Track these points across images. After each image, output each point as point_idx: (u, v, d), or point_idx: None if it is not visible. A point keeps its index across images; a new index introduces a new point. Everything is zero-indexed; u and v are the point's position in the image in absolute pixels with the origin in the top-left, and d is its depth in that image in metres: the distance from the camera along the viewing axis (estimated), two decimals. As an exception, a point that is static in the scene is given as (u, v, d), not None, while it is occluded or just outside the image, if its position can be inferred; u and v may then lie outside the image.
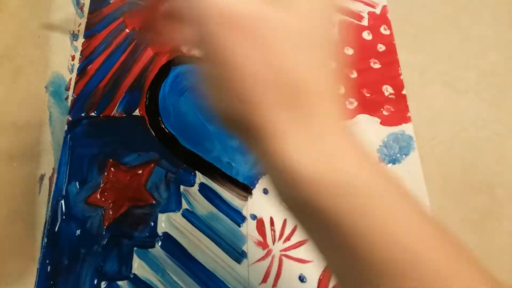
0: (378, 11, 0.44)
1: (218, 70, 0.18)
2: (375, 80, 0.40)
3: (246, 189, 0.37)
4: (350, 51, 0.42)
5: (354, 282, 0.18)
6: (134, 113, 0.40)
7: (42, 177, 0.38)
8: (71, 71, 0.43)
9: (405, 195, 0.18)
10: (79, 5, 0.46)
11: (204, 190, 0.37)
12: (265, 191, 0.37)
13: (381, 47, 0.42)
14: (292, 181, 0.17)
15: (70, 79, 0.42)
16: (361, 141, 0.18)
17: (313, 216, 0.18)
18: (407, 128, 0.38)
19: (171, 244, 0.35)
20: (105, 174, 0.38)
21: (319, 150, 0.17)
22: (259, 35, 0.17)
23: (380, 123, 0.39)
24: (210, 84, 0.19)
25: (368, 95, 0.40)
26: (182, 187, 0.37)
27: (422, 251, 0.17)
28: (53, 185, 0.38)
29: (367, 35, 0.43)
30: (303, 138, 0.17)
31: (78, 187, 0.37)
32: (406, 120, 0.39)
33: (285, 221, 0.36)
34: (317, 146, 0.17)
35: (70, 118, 0.40)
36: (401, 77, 0.40)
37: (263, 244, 0.35)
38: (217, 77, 0.18)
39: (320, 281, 0.33)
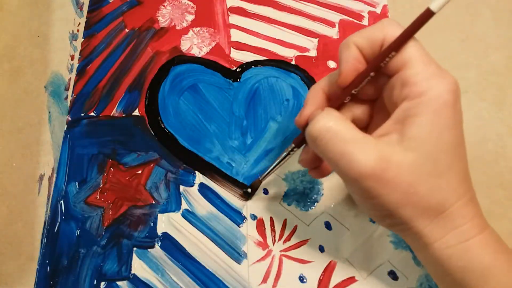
0: (378, 10, 0.44)
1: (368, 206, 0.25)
2: (375, 80, 0.40)
3: (245, 190, 0.37)
4: (350, 51, 0.42)
5: None
6: (133, 113, 0.40)
7: (41, 177, 0.38)
8: (71, 70, 0.42)
9: None
10: (78, 5, 0.46)
11: (204, 190, 0.37)
12: (265, 191, 0.37)
13: (381, 47, 0.42)
14: (436, 260, 0.25)
15: (70, 79, 0.42)
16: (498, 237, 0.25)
17: (446, 279, 0.25)
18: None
19: (170, 245, 0.35)
20: (105, 174, 0.38)
21: (456, 244, 0.24)
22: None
23: (380, 123, 0.38)
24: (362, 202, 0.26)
25: (368, 95, 0.40)
26: (182, 187, 0.37)
27: None
28: (53, 185, 0.38)
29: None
30: (448, 239, 0.24)
31: (78, 187, 0.37)
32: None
33: (285, 221, 0.35)
34: (454, 241, 0.24)
35: (70, 118, 0.40)
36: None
37: (263, 245, 0.35)
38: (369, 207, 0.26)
39: (320, 281, 0.33)
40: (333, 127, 0.24)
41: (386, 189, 0.23)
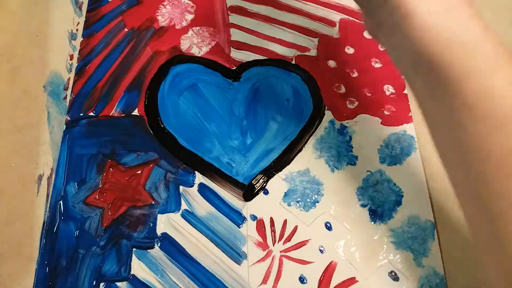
0: (378, 10, 0.44)
1: None
2: (376, 79, 0.40)
3: (245, 190, 0.36)
4: (351, 50, 0.41)
5: (448, 128, 0.22)
6: (133, 113, 0.40)
7: (40, 178, 0.38)
8: (70, 70, 0.42)
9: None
10: (77, 4, 0.46)
11: (204, 190, 0.37)
12: (265, 192, 0.37)
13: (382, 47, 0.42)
14: (415, 32, 0.22)
15: (69, 79, 0.42)
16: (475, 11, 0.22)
17: (421, 68, 0.22)
18: (408, 128, 0.38)
19: (170, 245, 0.35)
20: (104, 174, 0.37)
21: (441, 11, 0.21)
22: None
23: (381, 123, 0.38)
24: None
25: (369, 94, 0.39)
26: (181, 188, 0.37)
27: None
28: (52, 186, 0.37)
29: (368, 34, 0.43)
30: (433, 4, 0.21)
31: (77, 187, 0.37)
32: (408, 119, 0.38)
33: (285, 221, 0.35)
34: (440, 7, 0.21)
35: (69, 118, 0.40)
36: (402, 76, 0.40)
37: (263, 245, 0.35)
38: None
39: (320, 282, 0.33)
40: None
41: None
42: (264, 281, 0.34)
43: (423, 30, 0.22)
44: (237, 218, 0.36)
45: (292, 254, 0.34)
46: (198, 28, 0.44)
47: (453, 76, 0.21)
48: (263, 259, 0.34)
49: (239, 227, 0.35)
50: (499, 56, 0.21)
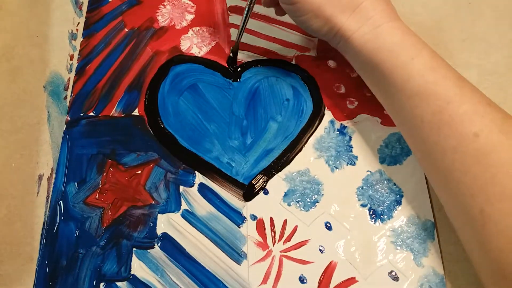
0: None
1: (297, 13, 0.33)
2: (375, 79, 0.40)
3: (245, 190, 0.36)
4: (350, 51, 0.41)
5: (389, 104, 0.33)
6: (133, 113, 0.40)
7: (40, 178, 0.38)
8: (70, 70, 0.42)
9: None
10: (77, 4, 0.46)
11: (204, 190, 0.37)
12: (265, 192, 0.37)
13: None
14: (356, 49, 0.32)
15: (69, 79, 0.42)
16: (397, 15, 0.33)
17: (366, 66, 0.33)
18: (408, 128, 0.38)
19: (170, 245, 0.35)
20: (104, 174, 0.37)
21: (369, 31, 0.31)
22: None
23: (381, 123, 0.38)
24: (294, 16, 0.34)
25: (369, 94, 0.39)
26: (181, 188, 0.37)
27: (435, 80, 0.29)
28: (52, 186, 0.37)
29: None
30: (363, 28, 0.32)
31: (77, 187, 0.37)
32: (407, 120, 0.38)
33: (285, 221, 0.35)
34: (368, 29, 0.31)
35: (69, 118, 0.40)
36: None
37: (263, 245, 0.35)
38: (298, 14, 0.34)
39: (320, 282, 0.33)
40: None
41: None
42: (264, 281, 0.34)
43: (360, 46, 0.32)
44: (237, 218, 0.36)
45: (292, 254, 0.34)
46: (198, 28, 0.44)
47: (385, 72, 0.31)
48: (263, 259, 0.34)
49: (239, 227, 0.35)
50: (416, 51, 0.30)
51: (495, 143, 0.26)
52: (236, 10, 0.45)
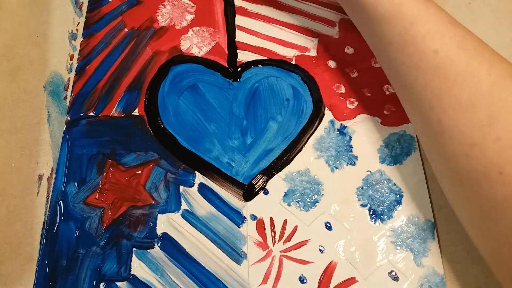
0: (378, 10, 0.44)
1: None
2: (376, 79, 0.40)
3: (245, 190, 0.36)
4: (350, 50, 0.41)
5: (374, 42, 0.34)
6: (133, 113, 0.40)
7: (40, 178, 0.38)
8: (70, 70, 0.42)
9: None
10: (77, 4, 0.46)
11: (204, 190, 0.37)
12: (265, 192, 0.37)
13: (381, 47, 0.41)
14: None
15: (69, 79, 0.42)
16: None
17: (354, 7, 0.34)
18: (408, 128, 0.38)
19: (170, 245, 0.35)
20: (104, 174, 0.37)
21: None
22: None
23: (381, 123, 0.38)
24: None
25: (369, 94, 0.39)
26: (181, 188, 0.37)
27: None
28: (52, 186, 0.37)
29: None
30: None
31: (77, 187, 0.37)
32: (408, 120, 0.38)
33: (285, 221, 0.35)
34: None
35: (69, 118, 0.40)
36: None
37: (263, 245, 0.35)
38: None
39: (320, 282, 0.33)
40: None
41: None
42: (264, 281, 0.34)
43: None
44: (237, 218, 0.36)
45: (292, 254, 0.34)
46: (198, 28, 0.44)
47: (368, 7, 0.32)
48: (263, 259, 0.34)
49: (239, 227, 0.35)
50: None
51: (452, 58, 0.28)
52: (236, 10, 0.45)
